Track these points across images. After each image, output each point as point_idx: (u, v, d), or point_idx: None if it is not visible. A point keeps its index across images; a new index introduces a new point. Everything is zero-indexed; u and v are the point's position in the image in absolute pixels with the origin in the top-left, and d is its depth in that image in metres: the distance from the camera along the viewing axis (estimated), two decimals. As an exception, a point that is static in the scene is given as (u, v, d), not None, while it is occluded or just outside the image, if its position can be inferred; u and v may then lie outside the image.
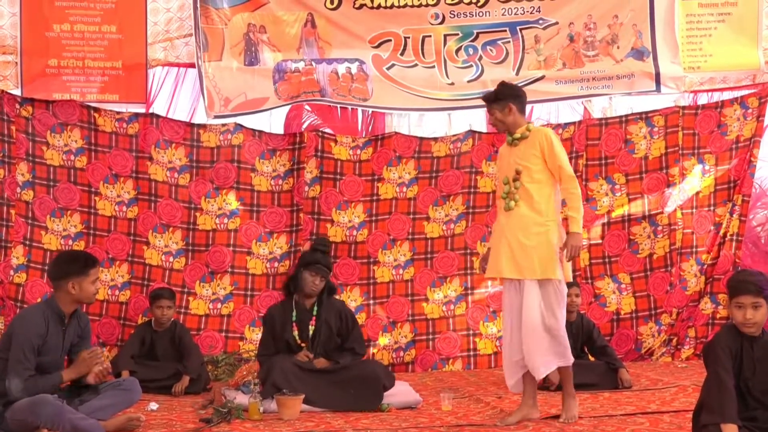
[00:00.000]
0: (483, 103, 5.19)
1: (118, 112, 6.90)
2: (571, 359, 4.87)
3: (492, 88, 7.08)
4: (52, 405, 4.19)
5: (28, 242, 6.65)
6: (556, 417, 4.83)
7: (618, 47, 7.35)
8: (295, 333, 5.57)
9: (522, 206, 4.81)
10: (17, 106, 6.71)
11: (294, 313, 5.63)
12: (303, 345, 5.56)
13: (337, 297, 6.15)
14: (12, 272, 6.57)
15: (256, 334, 6.85)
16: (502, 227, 4.90)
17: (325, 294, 5.66)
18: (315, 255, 5.68)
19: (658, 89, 7.35)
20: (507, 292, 4.92)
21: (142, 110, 6.97)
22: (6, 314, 6.49)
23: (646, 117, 7.37)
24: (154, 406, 5.24)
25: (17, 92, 6.77)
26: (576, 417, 4.71)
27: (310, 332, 5.59)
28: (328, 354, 5.59)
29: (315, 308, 5.63)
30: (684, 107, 7.41)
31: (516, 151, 4.89)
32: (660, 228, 7.33)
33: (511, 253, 4.80)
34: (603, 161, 7.35)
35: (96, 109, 6.86)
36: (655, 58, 7.33)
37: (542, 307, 4.74)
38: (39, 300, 6.22)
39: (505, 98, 4.90)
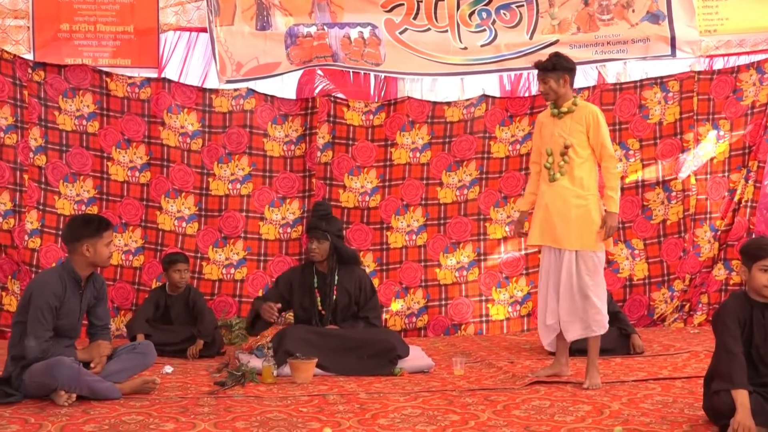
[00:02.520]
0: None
1: (130, 77, 6.89)
2: (603, 330, 4.93)
3: (506, 52, 7.19)
4: (69, 367, 4.24)
5: (41, 207, 6.68)
6: (566, 383, 4.85)
7: (633, 11, 7.25)
8: (318, 299, 5.61)
9: (565, 179, 4.92)
10: (29, 70, 6.70)
11: (315, 280, 5.65)
12: (323, 312, 5.59)
13: (362, 267, 6.15)
14: (27, 237, 6.61)
15: (269, 299, 6.89)
16: (544, 197, 5.01)
17: (333, 258, 5.63)
18: (312, 220, 5.72)
19: (673, 53, 7.27)
20: (545, 257, 5.06)
21: (154, 75, 6.96)
22: (21, 279, 6.55)
23: (660, 82, 7.30)
24: (168, 369, 5.28)
25: (29, 57, 6.77)
26: (599, 385, 4.72)
27: (333, 300, 5.59)
28: (341, 322, 5.60)
29: (335, 275, 5.64)
30: (699, 72, 7.33)
31: (561, 124, 4.97)
32: (674, 194, 7.29)
33: (551, 222, 4.94)
34: (617, 126, 7.29)
35: (108, 74, 6.85)
36: (670, 22, 7.24)
37: (580, 276, 4.85)
38: (54, 265, 6.26)
39: (562, 69, 4.95)
